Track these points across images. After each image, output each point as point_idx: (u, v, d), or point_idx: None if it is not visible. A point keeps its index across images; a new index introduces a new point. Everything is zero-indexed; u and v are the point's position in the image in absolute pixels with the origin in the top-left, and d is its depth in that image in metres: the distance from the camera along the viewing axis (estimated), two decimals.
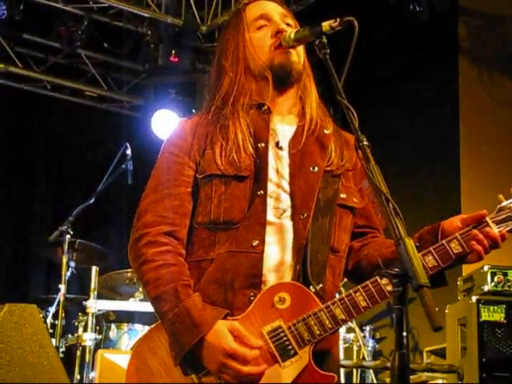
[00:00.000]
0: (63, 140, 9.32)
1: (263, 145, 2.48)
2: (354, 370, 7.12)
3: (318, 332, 2.29)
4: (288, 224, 2.43)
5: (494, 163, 7.11)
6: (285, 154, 2.52)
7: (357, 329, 7.03)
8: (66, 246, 6.33)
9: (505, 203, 2.37)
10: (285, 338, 2.30)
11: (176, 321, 2.31)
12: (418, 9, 7.10)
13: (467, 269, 5.63)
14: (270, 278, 2.38)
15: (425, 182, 7.67)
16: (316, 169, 2.49)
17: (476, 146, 7.30)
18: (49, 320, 6.53)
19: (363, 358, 6.91)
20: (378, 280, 2.31)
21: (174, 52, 8.07)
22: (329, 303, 2.31)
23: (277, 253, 2.40)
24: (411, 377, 5.99)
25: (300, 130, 2.56)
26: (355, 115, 2.16)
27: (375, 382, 6.93)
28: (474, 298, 5.21)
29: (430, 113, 7.64)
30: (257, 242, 2.38)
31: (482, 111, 7.35)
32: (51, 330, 6.31)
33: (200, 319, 2.29)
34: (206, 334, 2.27)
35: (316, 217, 2.43)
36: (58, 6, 8.06)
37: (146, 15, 8.24)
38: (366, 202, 2.62)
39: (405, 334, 1.87)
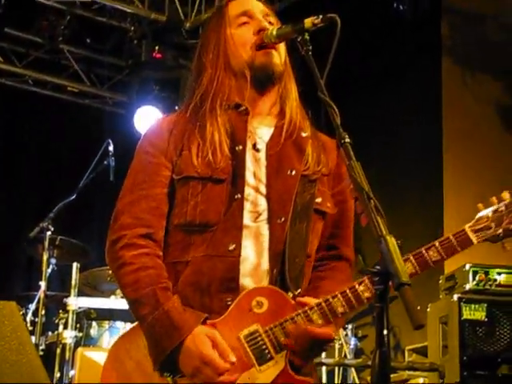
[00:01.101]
0: (44, 136, 9.25)
1: (241, 147, 2.45)
2: (336, 368, 7.12)
3: None
4: (264, 228, 2.41)
5: (476, 160, 7.14)
6: (262, 156, 2.49)
7: None
8: (46, 243, 6.29)
9: (483, 212, 2.37)
10: (261, 342, 2.29)
11: (155, 324, 2.29)
12: (401, 7, 7.12)
13: (449, 267, 5.64)
14: (247, 283, 2.36)
15: (406, 178, 7.67)
16: (294, 172, 2.46)
17: (459, 144, 7.31)
18: (29, 317, 6.48)
19: (345, 356, 6.91)
20: (356, 286, 2.29)
21: (157, 48, 8.04)
22: (306, 308, 2.29)
23: (253, 257, 2.38)
24: (393, 375, 5.99)
25: (278, 131, 2.53)
26: (337, 112, 2.13)
27: (357, 380, 6.93)
28: (455, 297, 5.21)
29: (412, 111, 7.64)
30: (233, 245, 2.36)
31: (465, 109, 7.37)
32: (31, 328, 6.27)
33: (180, 322, 2.27)
34: (185, 337, 2.26)
35: (294, 221, 2.41)
36: (40, 0, 8.01)
37: (129, 11, 8.20)
38: (337, 209, 2.57)
39: (386, 332, 1.86)
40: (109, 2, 8.07)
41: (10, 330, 3.82)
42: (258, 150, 2.49)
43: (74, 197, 6.51)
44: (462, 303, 5.16)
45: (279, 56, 2.54)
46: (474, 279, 5.30)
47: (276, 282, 2.36)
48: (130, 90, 8.43)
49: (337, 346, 7.10)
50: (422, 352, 6.23)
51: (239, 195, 2.39)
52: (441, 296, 5.71)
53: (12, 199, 9.22)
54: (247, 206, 2.40)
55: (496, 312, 5.18)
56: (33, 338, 5.88)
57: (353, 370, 6.90)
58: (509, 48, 7.10)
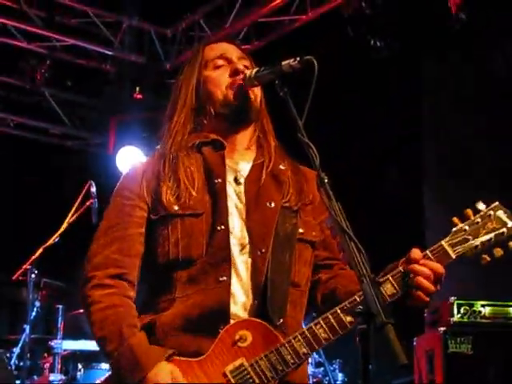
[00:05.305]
0: (28, 178, 9.24)
1: (220, 180, 2.50)
2: None
3: (280, 368, 2.27)
4: (248, 260, 2.43)
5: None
6: (242, 189, 2.53)
7: (326, 363, 7.00)
8: (30, 286, 6.26)
9: (459, 226, 2.37)
10: (248, 376, 2.27)
11: (120, 359, 2.32)
12: (378, 44, 7.16)
13: (434, 301, 5.65)
14: (235, 312, 2.37)
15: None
16: (273, 204, 2.50)
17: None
18: (14, 361, 6.41)
19: None
20: (338, 311, 2.30)
21: (137, 89, 8.10)
22: (290, 338, 2.29)
23: (238, 288, 2.40)
24: None
25: (257, 166, 2.59)
26: (316, 153, 2.17)
27: None
28: (440, 330, 5.23)
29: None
30: (224, 277, 2.37)
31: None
32: (16, 372, 6.20)
33: (143, 358, 2.30)
34: (147, 373, 2.27)
35: (275, 252, 2.44)
36: (21, 44, 8.07)
37: (109, 53, 8.26)
38: (326, 234, 2.61)
39: (371, 367, 1.87)
40: (89, 44, 8.13)
41: None
42: (239, 184, 2.54)
43: (57, 239, 6.49)
44: (447, 336, 5.17)
45: (254, 94, 2.59)
46: (458, 312, 5.32)
47: (258, 313, 2.37)
48: (112, 131, 8.45)
49: (325, 382, 7.08)
50: None
51: (222, 226, 2.43)
52: (426, 329, 5.72)
53: None
54: (232, 238, 2.44)
55: (482, 344, 5.20)
56: (18, 383, 5.82)
57: None
58: None
